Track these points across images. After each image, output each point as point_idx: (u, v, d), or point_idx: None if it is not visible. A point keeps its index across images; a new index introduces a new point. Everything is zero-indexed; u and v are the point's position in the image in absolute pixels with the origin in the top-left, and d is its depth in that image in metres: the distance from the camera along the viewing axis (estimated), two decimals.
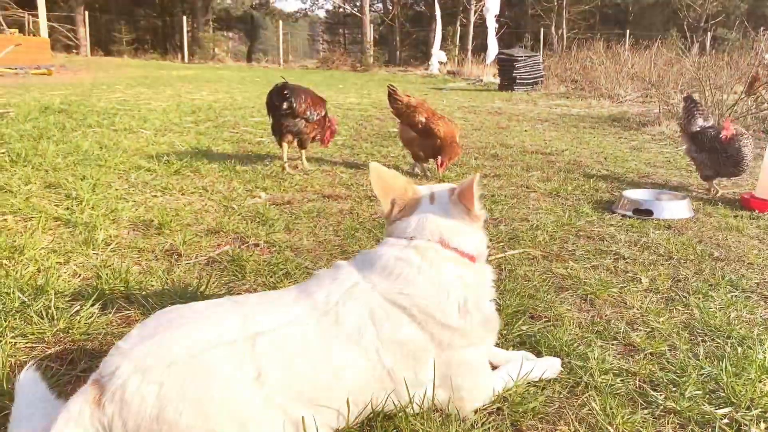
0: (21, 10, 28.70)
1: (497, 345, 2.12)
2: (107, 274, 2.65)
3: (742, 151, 4.63)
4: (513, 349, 2.18)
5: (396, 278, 1.70)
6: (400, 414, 1.68)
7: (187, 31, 36.26)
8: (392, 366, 1.64)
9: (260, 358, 1.51)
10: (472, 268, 1.79)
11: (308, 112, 5.21)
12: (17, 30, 22.55)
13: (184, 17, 35.67)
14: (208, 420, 1.44)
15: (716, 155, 4.74)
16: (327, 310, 1.64)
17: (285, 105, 5.08)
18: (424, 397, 1.71)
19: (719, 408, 1.85)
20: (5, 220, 3.44)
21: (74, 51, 33.15)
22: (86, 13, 34.66)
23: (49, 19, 23.93)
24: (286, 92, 5.09)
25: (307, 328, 1.60)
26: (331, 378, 1.58)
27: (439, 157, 5.04)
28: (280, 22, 36.50)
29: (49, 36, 22.39)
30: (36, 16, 22.68)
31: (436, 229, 1.79)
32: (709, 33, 32.88)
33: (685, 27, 31.26)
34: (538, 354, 2.15)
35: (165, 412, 1.42)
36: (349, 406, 1.60)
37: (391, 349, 1.64)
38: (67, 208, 3.68)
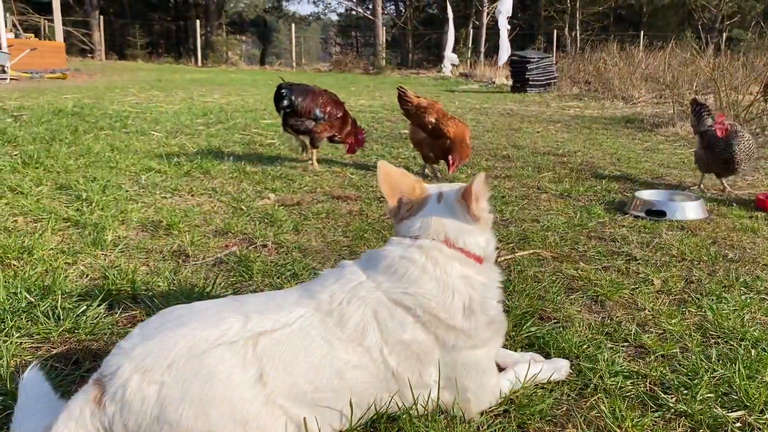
0: (37, 15, 29.05)
1: (505, 346, 2.09)
2: (114, 275, 2.65)
3: (732, 149, 4.67)
4: (521, 351, 2.14)
5: (400, 278, 1.68)
6: (405, 416, 1.66)
7: (201, 35, 36.49)
8: (396, 367, 1.62)
9: (262, 358, 1.49)
10: (477, 269, 1.76)
11: (316, 112, 5.23)
12: (33, 35, 22.82)
13: (198, 21, 35.89)
14: (209, 420, 1.42)
15: (711, 151, 4.83)
16: (330, 309, 1.62)
17: (285, 103, 5.20)
18: (428, 398, 1.69)
19: (732, 411, 1.81)
20: (16, 221, 3.46)
21: (89, 55, 33.49)
22: (101, 17, 35.02)
23: (64, 24, 24.18)
24: (282, 91, 5.22)
25: (310, 328, 1.58)
26: (334, 378, 1.56)
27: (450, 157, 5.01)
28: (293, 25, 36.64)
29: (65, 40, 22.62)
30: (52, 20, 22.93)
31: (441, 229, 1.76)
32: (724, 33, 32.62)
33: (700, 28, 30.99)
34: (547, 356, 2.12)
35: (166, 413, 1.41)
36: (352, 408, 1.58)
37: (396, 349, 1.62)
38: (77, 210, 3.69)
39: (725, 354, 2.17)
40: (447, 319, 1.65)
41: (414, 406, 1.67)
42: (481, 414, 1.76)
